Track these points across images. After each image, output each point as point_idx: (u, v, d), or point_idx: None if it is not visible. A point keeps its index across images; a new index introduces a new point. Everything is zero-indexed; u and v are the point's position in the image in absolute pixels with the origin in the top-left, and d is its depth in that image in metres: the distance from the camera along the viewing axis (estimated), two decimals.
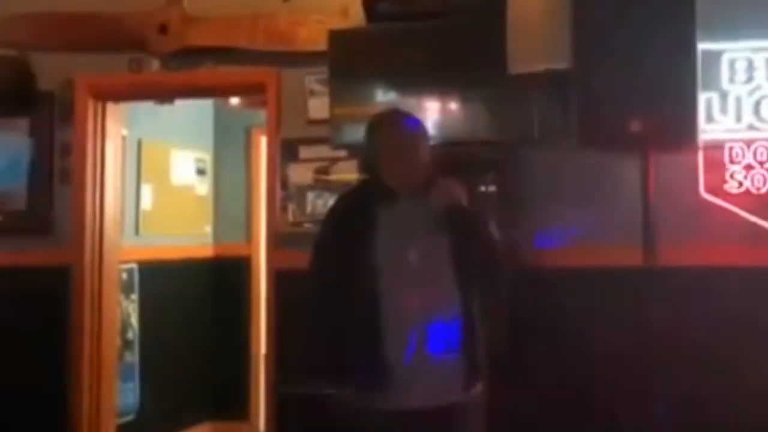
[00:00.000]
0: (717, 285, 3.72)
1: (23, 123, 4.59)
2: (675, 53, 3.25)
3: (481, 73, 3.69)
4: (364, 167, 2.96)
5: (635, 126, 3.25)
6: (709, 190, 3.75)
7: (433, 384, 2.68)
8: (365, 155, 2.87)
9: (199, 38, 4.31)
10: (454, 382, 2.71)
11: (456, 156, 3.55)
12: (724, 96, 3.74)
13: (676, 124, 3.27)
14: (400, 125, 2.82)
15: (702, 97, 3.43)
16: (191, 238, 6.12)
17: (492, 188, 3.66)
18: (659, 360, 3.34)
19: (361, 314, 2.70)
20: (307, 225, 4.11)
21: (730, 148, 3.74)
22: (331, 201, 3.36)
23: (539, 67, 3.65)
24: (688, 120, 3.26)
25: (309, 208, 4.19)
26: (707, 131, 3.63)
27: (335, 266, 2.76)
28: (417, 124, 2.85)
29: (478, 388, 2.79)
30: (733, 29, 3.73)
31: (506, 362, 3.45)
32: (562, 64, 3.54)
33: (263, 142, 5.38)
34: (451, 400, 2.70)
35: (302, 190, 4.21)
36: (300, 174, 4.22)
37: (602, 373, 3.77)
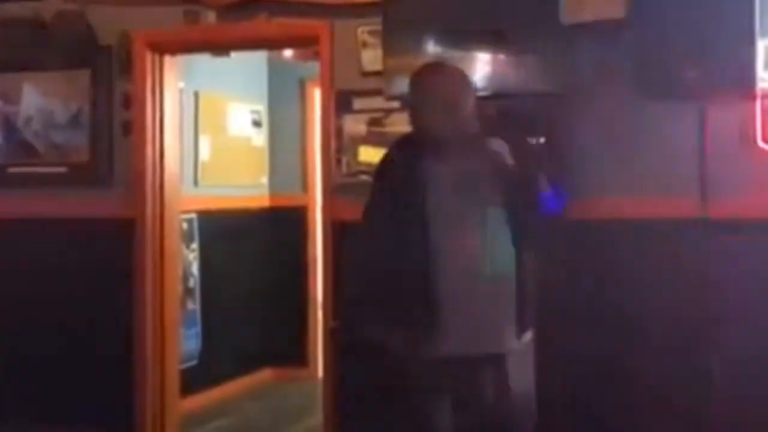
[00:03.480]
0: None
1: (84, 76, 4.66)
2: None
3: (535, 24, 3.66)
4: (411, 119, 2.98)
5: (691, 75, 3.22)
6: (766, 140, 3.69)
7: (483, 333, 2.73)
8: (409, 108, 2.90)
9: None
10: (504, 332, 2.76)
11: (508, 108, 3.56)
12: None
13: (734, 73, 3.23)
14: (441, 77, 2.83)
15: (760, 45, 3.36)
16: (248, 188, 6.22)
17: (542, 140, 3.65)
18: (713, 312, 3.34)
19: (411, 266, 2.75)
20: (361, 176, 4.16)
21: None
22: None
23: (593, 16, 3.60)
24: (745, 68, 3.22)
25: (362, 159, 4.23)
26: (765, 79, 3.55)
27: (386, 219, 2.80)
28: (460, 76, 2.85)
29: (528, 337, 2.83)
30: None
31: (559, 314, 3.49)
32: (616, 14, 3.50)
33: (317, 94, 5.43)
34: (500, 349, 2.75)
35: (356, 142, 4.25)
36: (354, 125, 4.26)
37: (655, 325, 3.77)
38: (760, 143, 3.69)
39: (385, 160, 2.99)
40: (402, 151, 2.94)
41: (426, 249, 2.72)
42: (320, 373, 4.99)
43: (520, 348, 2.80)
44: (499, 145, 2.68)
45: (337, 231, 4.27)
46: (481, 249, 2.73)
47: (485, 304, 2.73)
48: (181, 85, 5.02)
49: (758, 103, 3.63)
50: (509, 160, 2.66)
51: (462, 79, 2.84)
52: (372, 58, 4.14)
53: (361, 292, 3.04)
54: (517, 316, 2.76)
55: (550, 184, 2.89)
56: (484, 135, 2.74)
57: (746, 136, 3.67)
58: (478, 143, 2.71)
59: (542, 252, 2.88)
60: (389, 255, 2.81)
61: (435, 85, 2.80)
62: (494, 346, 2.74)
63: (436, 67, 2.94)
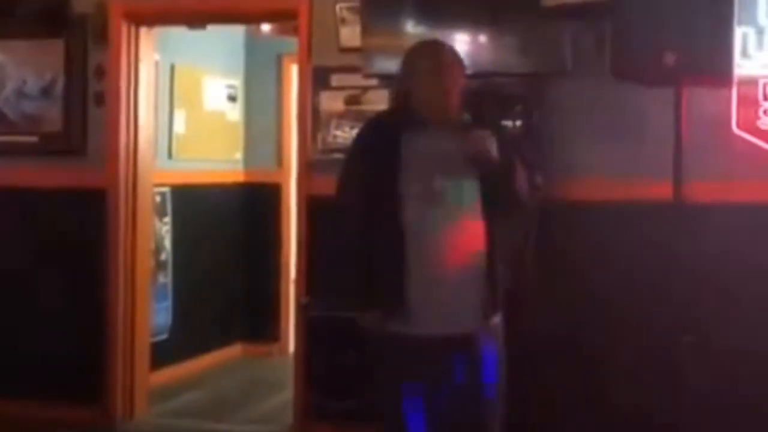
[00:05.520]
0: (746, 222, 3.72)
1: (58, 45, 4.60)
2: None
3: (515, 4, 3.65)
4: (398, 94, 2.96)
5: (669, 59, 3.22)
6: (741, 126, 3.72)
7: (454, 312, 2.74)
8: (401, 82, 2.89)
9: None
10: (474, 312, 2.76)
11: (486, 88, 3.56)
12: (760, 31, 3.67)
13: (711, 58, 3.23)
14: (440, 54, 2.83)
15: (738, 32, 3.38)
16: (223, 163, 6.18)
17: (520, 122, 3.65)
18: (686, 295, 3.37)
19: (385, 241, 2.75)
20: (336, 153, 4.14)
21: (765, 85, 3.70)
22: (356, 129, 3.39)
23: None
24: (722, 54, 3.23)
25: (338, 136, 4.22)
26: (742, 66, 3.57)
27: (360, 192, 2.80)
28: (455, 55, 2.87)
29: (497, 317, 2.84)
30: None
31: (533, 295, 3.51)
32: None
33: (294, 70, 5.40)
34: (471, 329, 2.76)
35: (332, 118, 4.23)
36: (331, 102, 4.24)
37: (627, 307, 3.81)
38: (736, 129, 3.73)
39: (361, 134, 2.98)
40: (380, 125, 2.93)
41: (399, 226, 2.72)
42: (291, 348, 5.00)
43: (490, 328, 2.81)
44: (486, 135, 2.68)
45: (311, 207, 4.26)
46: (454, 229, 2.73)
47: (456, 284, 2.74)
48: (157, 57, 4.97)
49: (734, 90, 3.67)
50: (494, 151, 2.66)
51: (457, 57, 2.85)
52: (350, 34, 4.11)
53: (333, 268, 3.03)
54: (487, 296, 2.77)
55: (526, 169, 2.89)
56: (470, 121, 2.74)
57: (722, 122, 3.71)
58: (463, 127, 2.71)
59: (518, 234, 2.88)
60: (361, 230, 2.80)
61: (432, 61, 2.79)
62: (465, 327, 2.75)
63: (433, 43, 2.95)
